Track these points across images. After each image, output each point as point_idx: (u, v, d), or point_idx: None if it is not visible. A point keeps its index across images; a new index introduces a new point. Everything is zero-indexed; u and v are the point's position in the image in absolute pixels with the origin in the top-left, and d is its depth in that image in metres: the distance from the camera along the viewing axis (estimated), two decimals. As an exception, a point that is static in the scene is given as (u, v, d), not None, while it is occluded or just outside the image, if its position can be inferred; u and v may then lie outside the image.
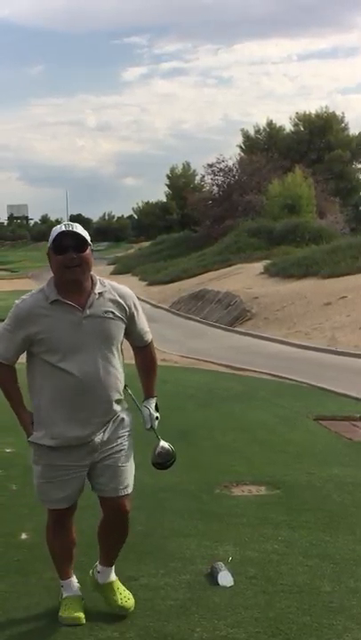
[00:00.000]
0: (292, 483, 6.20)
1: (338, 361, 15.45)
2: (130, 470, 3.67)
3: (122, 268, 52.88)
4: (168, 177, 71.56)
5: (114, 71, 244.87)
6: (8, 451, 6.98)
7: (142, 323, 3.71)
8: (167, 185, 72.48)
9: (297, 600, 3.94)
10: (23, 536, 4.90)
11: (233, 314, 24.71)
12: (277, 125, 63.19)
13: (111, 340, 3.54)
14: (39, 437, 3.57)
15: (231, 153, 58.14)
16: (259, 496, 5.91)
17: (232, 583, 4.11)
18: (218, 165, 52.50)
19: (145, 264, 50.34)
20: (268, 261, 31.77)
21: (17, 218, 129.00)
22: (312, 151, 59.01)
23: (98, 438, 3.55)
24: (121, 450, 3.62)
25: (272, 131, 62.70)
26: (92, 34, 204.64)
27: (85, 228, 3.55)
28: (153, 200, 77.02)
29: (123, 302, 3.57)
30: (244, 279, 30.38)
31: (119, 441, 3.62)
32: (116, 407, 3.59)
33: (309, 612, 3.81)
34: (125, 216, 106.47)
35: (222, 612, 3.80)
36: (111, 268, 54.37)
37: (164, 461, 3.79)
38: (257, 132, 62.97)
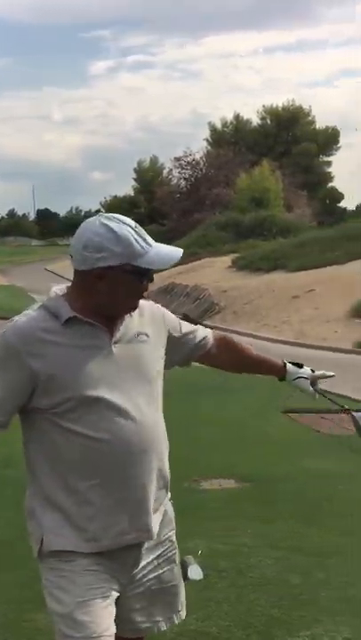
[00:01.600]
0: (261, 476, 6.22)
1: (306, 354, 15.53)
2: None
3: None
4: (135, 171, 71.40)
5: (80, 64, 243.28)
6: None
7: (190, 328, 2.56)
8: (135, 179, 72.31)
9: (266, 593, 3.96)
10: None
11: (201, 307, 24.74)
12: (245, 119, 63.29)
13: (153, 374, 2.33)
14: (64, 543, 2.21)
15: (199, 146, 58.08)
16: (228, 489, 5.93)
17: (202, 577, 4.09)
18: (185, 159, 52.46)
19: (113, 258, 50.03)
20: (236, 255, 31.82)
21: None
22: (279, 144, 59.15)
23: (151, 536, 2.31)
24: (172, 556, 2.46)
25: (239, 124, 62.74)
26: (58, 26, 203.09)
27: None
28: (121, 194, 76.77)
29: (157, 318, 2.43)
30: (212, 273, 30.41)
31: (168, 545, 2.43)
32: (167, 481, 2.37)
33: (279, 604, 3.83)
34: (93, 210, 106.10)
35: (192, 606, 3.79)
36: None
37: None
38: (224, 125, 62.98)
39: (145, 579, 2.33)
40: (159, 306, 2.50)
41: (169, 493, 2.40)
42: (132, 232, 2.16)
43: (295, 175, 51.34)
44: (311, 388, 2.66)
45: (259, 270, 28.10)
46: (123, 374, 2.23)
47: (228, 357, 2.64)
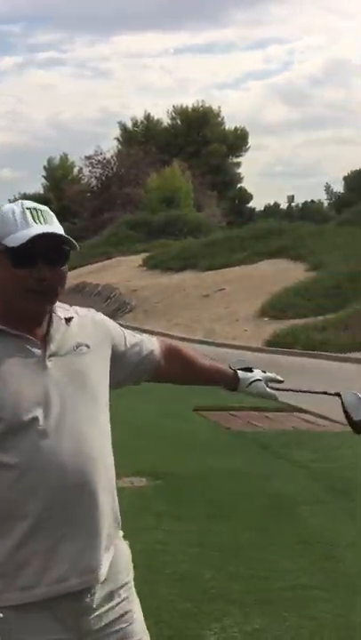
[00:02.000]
0: (173, 473, 6.29)
1: (216, 352, 15.70)
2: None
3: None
4: (45, 168, 70.62)
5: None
6: None
7: (135, 339, 2.22)
8: (44, 177, 71.50)
9: (179, 587, 4.02)
10: None
11: (112, 306, 24.71)
12: (155, 119, 63.42)
13: (97, 392, 1.98)
14: None
15: (110, 145, 57.92)
16: (140, 487, 5.96)
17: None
18: (96, 157, 52.23)
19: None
20: (147, 254, 31.90)
21: None
22: (189, 145, 59.46)
23: (98, 584, 1.91)
24: (131, 612, 2.01)
25: (150, 124, 62.80)
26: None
27: None
28: (31, 192, 75.84)
29: (100, 329, 2.10)
30: (123, 272, 30.40)
31: (123, 593, 2.00)
32: (118, 516, 2.04)
33: (190, 598, 3.89)
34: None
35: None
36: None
37: None
38: (135, 124, 62.97)
39: (101, 634, 1.91)
40: (102, 315, 2.17)
41: (121, 531, 2.07)
42: (18, 211, 1.89)
43: (205, 175, 51.78)
44: (270, 390, 2.43)
45: (169, 270, 28.25)
46: (60, 393, 1.88)
47: (177, 370, 2.32)
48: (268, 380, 2.44)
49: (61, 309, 2.02)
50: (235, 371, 2.43)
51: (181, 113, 62.59)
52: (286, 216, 54.51)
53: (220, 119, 62.90)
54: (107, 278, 29.11)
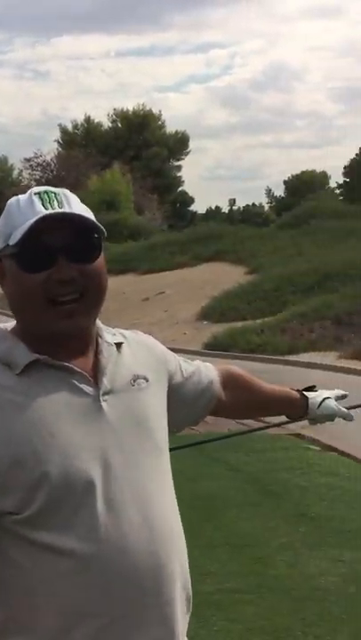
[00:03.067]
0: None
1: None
2: None
3: None
4: (-16, 171, 69.84)
5: None
6: None
7: (191, 368, 1.74)
8: (-17, 179, 70.73)
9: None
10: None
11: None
12: (95, 121, 63.20)
13: (159, 436, 1.52)
14: None
15: (50, 148, 57.45)
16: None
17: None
18: (36, 160, 51.86)
19: None
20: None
21: None
22: (130, 148, 59.41)
23: None
24: None
25: (90, 126, 62.54)
26: None
27: None
28: (-31, 194, 75.12)
29: (155, 356, 1.62)
30: (63, 275, 30.21)
31: None
32: (190, 602, 1.52)
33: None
34: None
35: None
36: None
37: None
38: (75, 127, 62.66)
39: None
40: (152, 338, 1.69)
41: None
42: (24, 199, 1.43)
43: (146, 179, 51.79)
44: (343, 408, 2.02)
45: (109, 272, 27.51)
46: (120, 443, 1.42)
47: (241, 402, 1.84)
48: (337, 398, 2.05)
49: (107, 332, 1.53)
50: (300, 392, 2.00)
51: (122, 116, 62.55)
52: (228, 219, 54.86)
53: (160, 122, 63.05)
54: (46, 282, 28.88)
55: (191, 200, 63.75)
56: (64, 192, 1.44)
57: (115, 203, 42.33)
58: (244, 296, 20.47)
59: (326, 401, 1.98)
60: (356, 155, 59.47)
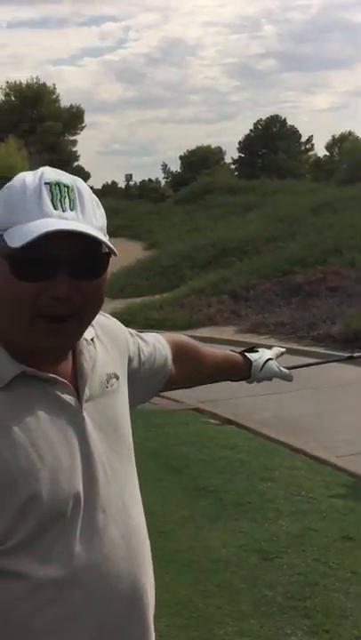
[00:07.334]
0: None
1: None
2: None
3: None
4: None
5: None
6: None
7: (148, 348, 1.65)
8: None
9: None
10: None
11: None
12: (-12, 94, 61.58)
13: (128, 440, 1.46)
14: None
15: None
16: None
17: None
18: None
19: None
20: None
21: None
22: (24, 122, 58.30)
23: None
24: None
25: (-18, 99, 61.02)
26: None
27: None
28: None
29: (118, 343, 1.54)
30: None
31: None
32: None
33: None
34: None
35: None
36: None
37: None
38: (-34, 100, 60.94)
39: None
40: (113, 319, 1.58)
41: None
42: (32, 184, 1.26)
43: (41, 153, 50.95)
44: (284, 369, 2.02)
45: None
46: (100, 457, 1.33)
47: (189, 373, 1.79)
48: (277, 356, 2.04)
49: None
50: (243, 354, 1.96)
51: (15, 89, 61.22)
52: (124, 195, 54.66)
53: (55, 96, 62.05)
54: None
55: (87, 175, 63.09)
56: (77, 185, 1.28)
57: (10, 178, 41.50)
58: (143, 272, 20.50)
59: (269, 362, 1.98)
60: (251, 130, 60.16)
